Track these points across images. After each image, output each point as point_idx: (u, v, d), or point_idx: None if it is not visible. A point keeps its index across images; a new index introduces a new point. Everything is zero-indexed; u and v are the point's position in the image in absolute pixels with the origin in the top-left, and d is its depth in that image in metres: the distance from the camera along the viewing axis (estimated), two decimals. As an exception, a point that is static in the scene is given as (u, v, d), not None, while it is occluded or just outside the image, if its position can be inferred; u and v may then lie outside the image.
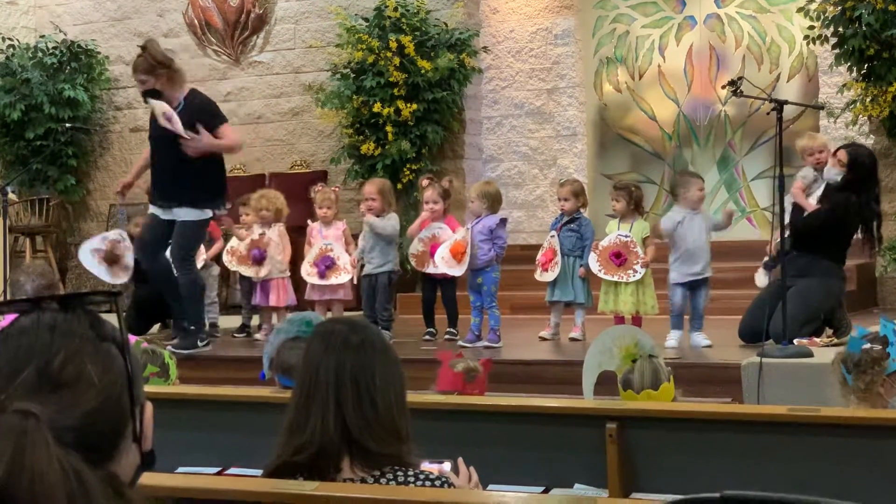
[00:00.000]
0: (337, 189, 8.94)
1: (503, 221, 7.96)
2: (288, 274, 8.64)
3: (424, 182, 8.33)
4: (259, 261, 8.51)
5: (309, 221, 8.65)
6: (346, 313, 8.31)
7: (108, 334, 1.36)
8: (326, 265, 8.31)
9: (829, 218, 7.17)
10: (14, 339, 1.32)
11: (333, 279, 8.30)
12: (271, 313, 8.62)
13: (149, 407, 1.39)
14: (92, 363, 1.30)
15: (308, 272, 8.37)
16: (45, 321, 1.33)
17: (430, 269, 7.93)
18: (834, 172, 7.18)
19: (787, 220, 6.80)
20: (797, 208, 7.30)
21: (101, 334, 1.35)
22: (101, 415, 1.29)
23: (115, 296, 1.38)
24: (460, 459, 2.63)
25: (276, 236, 8.57)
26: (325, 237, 8.43)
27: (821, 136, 7.50)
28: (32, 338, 1.31)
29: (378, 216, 8.05)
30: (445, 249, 7.80)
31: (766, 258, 7.55)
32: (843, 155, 7.20)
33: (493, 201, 7.89)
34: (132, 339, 4.52)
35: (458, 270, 7.79)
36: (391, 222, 8.09)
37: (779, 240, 6.69)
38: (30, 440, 1.16)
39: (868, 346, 3.44)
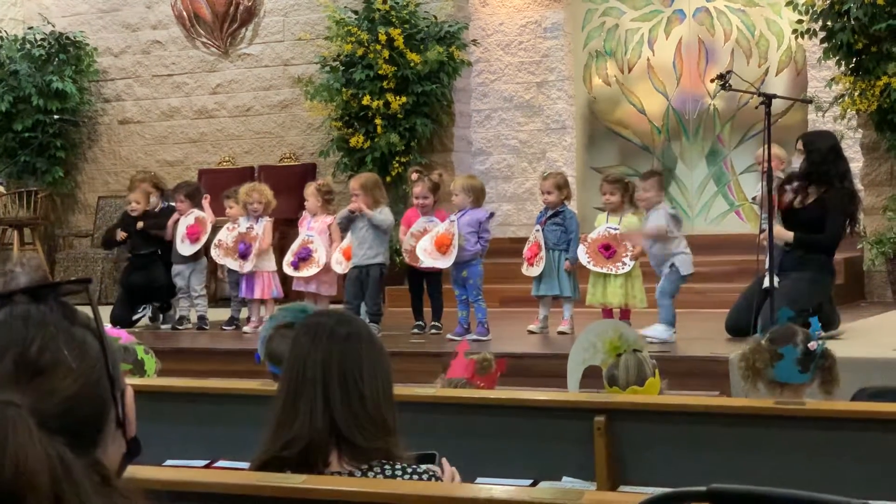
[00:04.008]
0: (321, 183, 8.89)
1: (491, 215, 7.94)
2: (275, 268, 8.64)
3: (414, 176, 8.30)
4: (244, 255, 8.51)
5: (303, 212, 8.68)
6: (332, 306, 8.31)
7: (81, 321, 1.36)
8: (301, 257, 8.34)
9: (845, 221, 7.17)
10: None
11: (304, 271, 8.32)
12: (259, 305, 8.62)
13: (129, 391, 1.39)
14: (68, 349, 1.30)
15: (287, 262, 8.41)
16: (18, 313, 1.32)
17: (422, 264, 7.90)
18: (800, 162, 7.23)
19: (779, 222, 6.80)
20: (790, 214, 7.23)
21: (74, 321, 1.35)
22: (81, 400, 1.29)
23: (86, 283, 1.39)
24: (444, 460, 2.62)
25: (262, 231, 8.56)
26: (310, 229, 8.46)
27: (783, 152, 7.53)
28: (5, 330, 1.30)
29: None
30: (429, 242, 7.74)
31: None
32: (800, 145, 7.26)
33: (478, 195, 7.86)
34: (116, 334, 4.52)
35: (443, 263, 7.75)
36: (388, 216, 8.08)
37: (766, 233, 6.68)
38: (12, 428, 1.17)
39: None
